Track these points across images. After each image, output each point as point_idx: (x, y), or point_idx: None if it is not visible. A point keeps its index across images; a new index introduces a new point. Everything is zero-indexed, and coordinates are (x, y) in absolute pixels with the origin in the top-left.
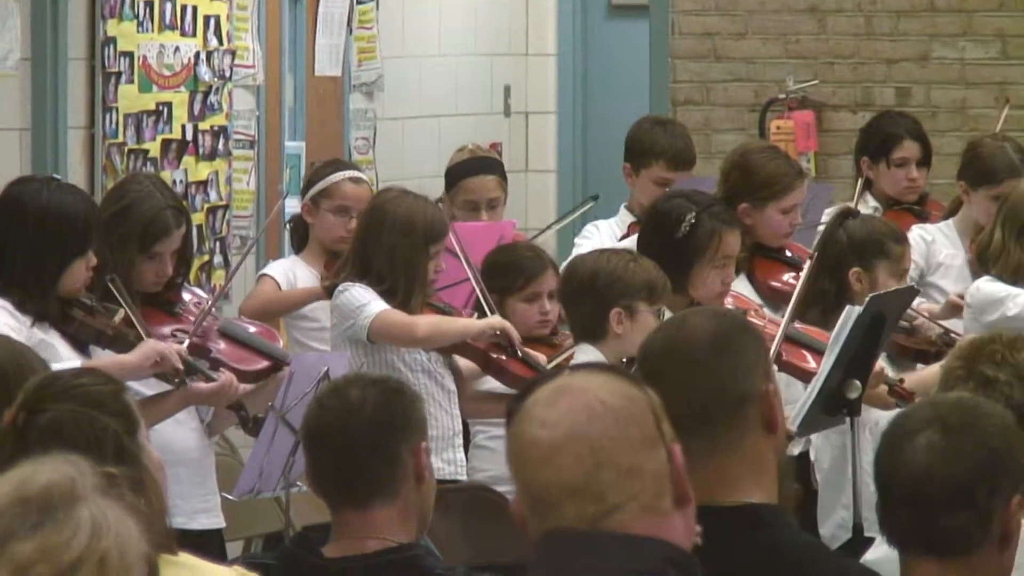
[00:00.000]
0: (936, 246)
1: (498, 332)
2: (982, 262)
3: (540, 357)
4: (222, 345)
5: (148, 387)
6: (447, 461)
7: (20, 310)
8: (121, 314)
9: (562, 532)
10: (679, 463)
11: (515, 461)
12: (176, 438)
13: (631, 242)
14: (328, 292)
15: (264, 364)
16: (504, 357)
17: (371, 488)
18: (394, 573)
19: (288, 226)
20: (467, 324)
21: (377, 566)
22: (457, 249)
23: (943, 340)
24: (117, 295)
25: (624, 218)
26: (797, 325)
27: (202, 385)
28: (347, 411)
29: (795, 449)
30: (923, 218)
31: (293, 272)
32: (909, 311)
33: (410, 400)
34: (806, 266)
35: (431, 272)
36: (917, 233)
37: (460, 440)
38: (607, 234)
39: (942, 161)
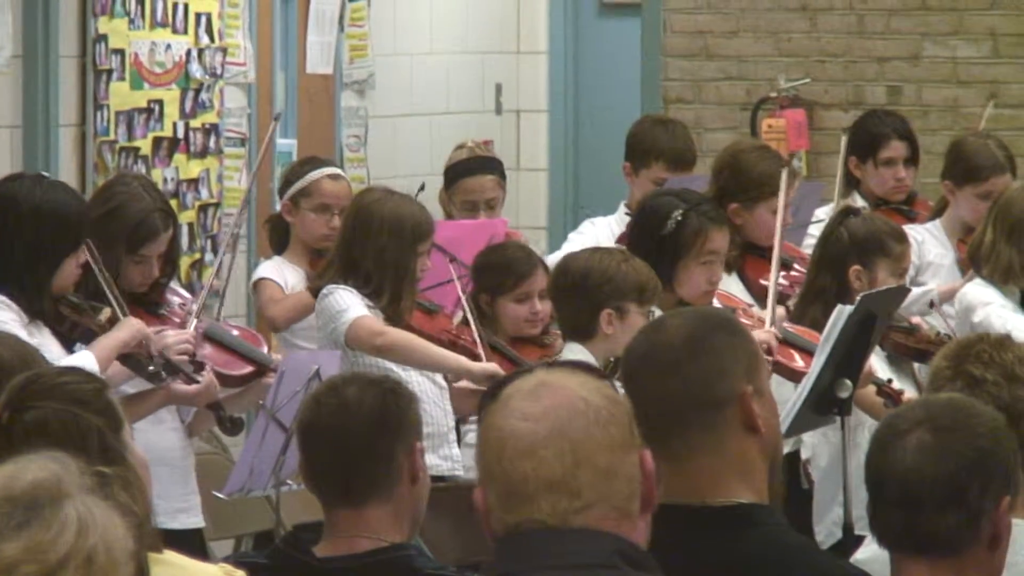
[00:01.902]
0: (925, 246)
1: (488, 377)
2: (974, 262)
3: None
4: (207, 349)
5: (131, 385)
6: (443, 457)
7: (18, 304)
8: (107, 313)
9: (524, 528)
10: (649, 469)
11: (491, 451)
12: (157, 438)
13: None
14: (313, 294)
15: (249, 369)
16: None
17: (366, 487)
18: (386, 573)
19: (267, 226)
20: (443, 357)
21: (369, 566)
22: (460, 293)
23: (943, 340)
24: (90, 258)
25: (623, 217)
26: (788, 325)
27: (184, 386)
28: (344, 410)
29: (784, 448)
30: (911, 218)
31: (283, 273)
32: (903, 315)
33: (406, 400)
34: (773, 263)
35: (418, 271)
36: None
37: (455, 436)
38: (604, 232)
39: (934, 160)
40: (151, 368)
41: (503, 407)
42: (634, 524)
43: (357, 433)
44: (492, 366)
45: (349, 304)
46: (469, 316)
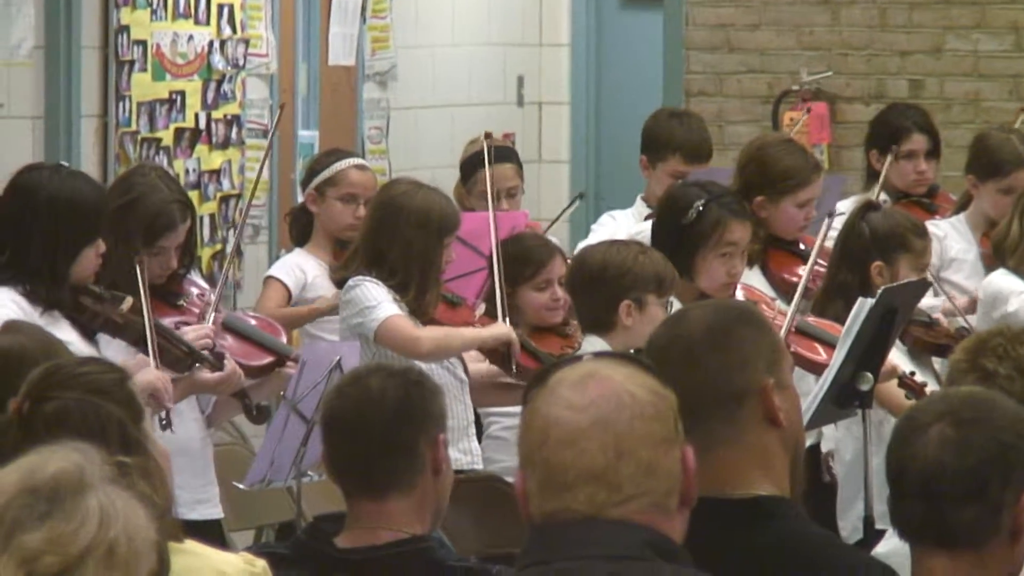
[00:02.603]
0: (948, 241)
1: (502, 342)
2: (998, 255)
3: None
4: (228, 340)
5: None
6: (463, 451)
7: (30, 299)
8: (129, 303)
9: (559, 518)
10: (690, 465)
11: (534, 437)
12: (177, 428)
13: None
14: (339, 284)
15: (268, 360)
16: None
17: (388, 479)
18: (407, 564)
19: (288, 218)
20: (473, 335)
21: (390, 557)
22: (493, 238)
23: (963, 335)
24: (139, 276)
25: (640, 210)
26: (809, 318)
27: (207, 374)
28: (366, 401)
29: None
30: (932, 211)
31: (301, 268)
32: (923, 310)
33: (430, 392)
34: (811, 257)
35: (443, 263)
36: (928, 230)
37: (474, 429)
38: (624, 225)
39: (955, 153)
40: (175, 356)
41: (550, 394)
42: (671, 519)
43: (379, 424)
44: (504, 329)
45: (380, 300)
46: (498, 286)
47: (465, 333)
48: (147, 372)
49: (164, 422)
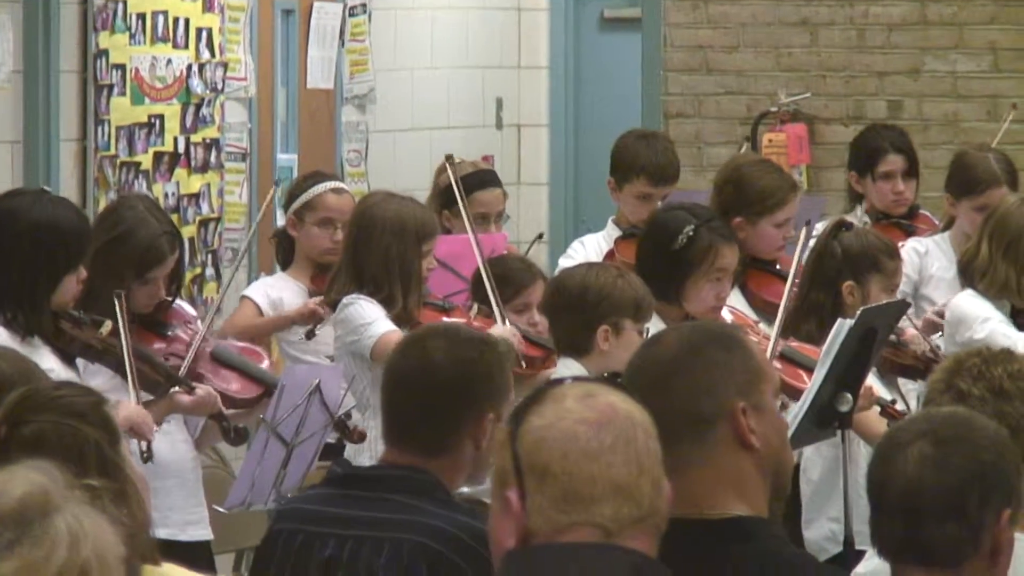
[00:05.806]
0: (929, 258)
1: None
2: (966, 276)
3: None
4: (218, 370)
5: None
6: None
7: (10, 326)
8: (108, 327)
9: (577, 532)
10: (669, 494)
11: (551, 450)
12: (166, 451)
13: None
14: (332, 306)
15: (258, 391)
16: None
17: (422, 441)
18: (408, 483)
19: (273, 241)
20: None
21: (395, 477)
22: (477, 255)
23: (929, 357)
24: (118, 312)
25: (611, 231)
26: (793, 343)
27: (184, 397)
28: (419, 364)
29: None
30: (910, 231)
31: (277, 290)
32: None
33: (489, 366)
34: (788, 280)
35: (424, 271)
36: (911, 246)
37: None
38: (593, 250)
39: (934, 174)
40: (153, 380)
41: (558, 407)
42: (656, 544)
43: (423, 390)
44: (500, 329)
45: (375, 316)
46: (490, 288)
47: None
48: (126, 406)
49: (145, 455)
